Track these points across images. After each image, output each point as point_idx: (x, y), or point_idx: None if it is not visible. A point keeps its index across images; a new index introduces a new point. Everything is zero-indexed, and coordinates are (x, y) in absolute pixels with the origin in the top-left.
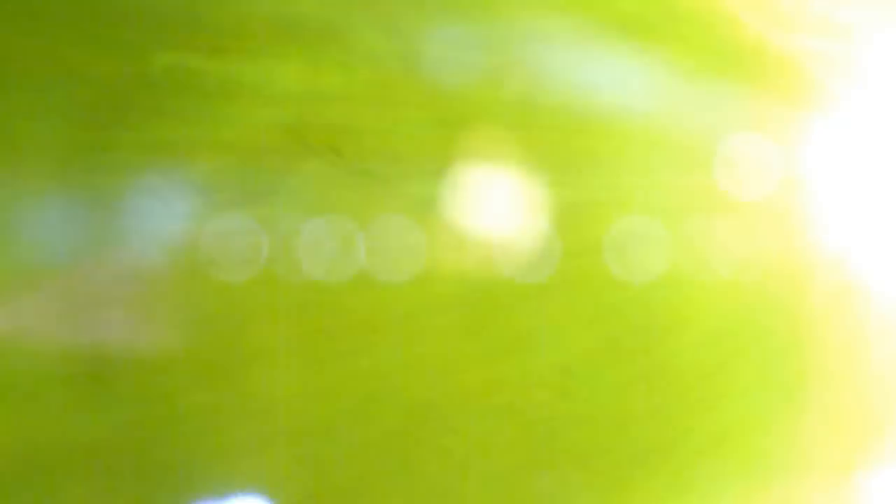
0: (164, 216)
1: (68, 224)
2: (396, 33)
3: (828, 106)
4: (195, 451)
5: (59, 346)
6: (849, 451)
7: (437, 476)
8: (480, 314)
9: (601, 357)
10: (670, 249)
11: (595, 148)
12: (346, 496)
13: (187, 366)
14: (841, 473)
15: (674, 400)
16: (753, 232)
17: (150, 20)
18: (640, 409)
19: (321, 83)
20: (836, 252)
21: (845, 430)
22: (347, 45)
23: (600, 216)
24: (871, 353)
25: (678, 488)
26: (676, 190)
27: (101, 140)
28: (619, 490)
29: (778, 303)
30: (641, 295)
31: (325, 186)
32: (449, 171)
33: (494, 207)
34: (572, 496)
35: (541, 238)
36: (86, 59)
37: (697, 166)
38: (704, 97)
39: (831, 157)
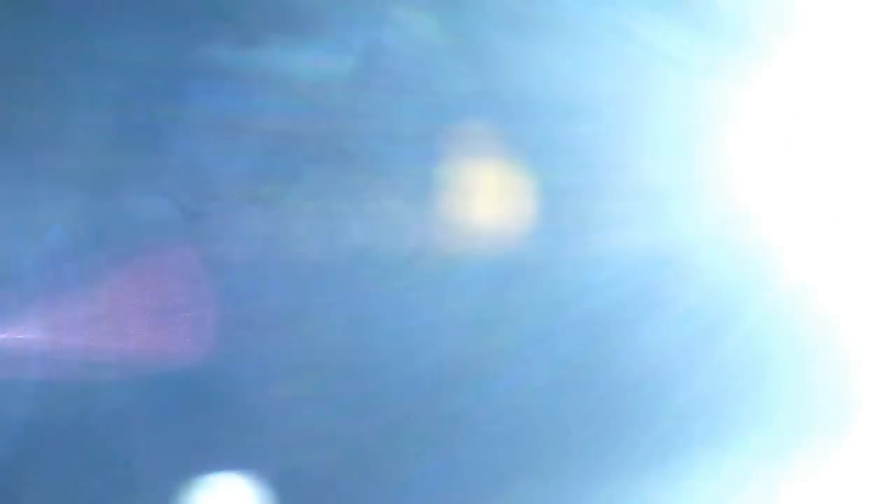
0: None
1: (96, 202)
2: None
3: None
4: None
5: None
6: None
7: (430, 443)
8: (469, 290)
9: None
10: (646, 231)
11: (575, 134)
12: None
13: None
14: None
15: (645, 376)
16: (729, 213)
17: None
18: (609, 382)
19: (321, 71)
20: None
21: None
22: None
23: (580, 200)
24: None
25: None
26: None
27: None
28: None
29: (739, 286)
30: (617, 276)
31: (329, 169)
32: (440, 156)
33: (482, 190)
34: (549, 457)
35: (525, 220)
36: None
37: (671, 150)
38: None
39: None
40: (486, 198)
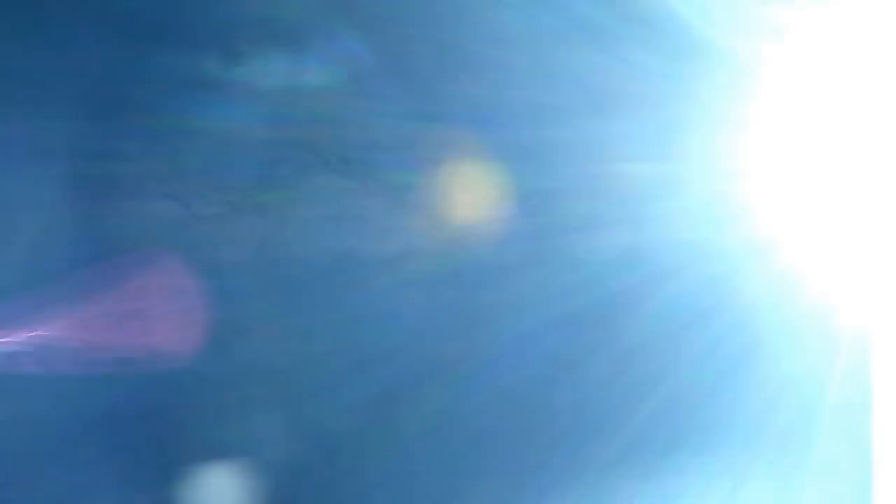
0: (171, 200)
1: (75, 210)
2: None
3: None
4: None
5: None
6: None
7: (413, 437)
8: (453, 289)
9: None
10: (624, 233)
11: (555, 140)
12: (333, 456)
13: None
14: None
15: (628, 369)
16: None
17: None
18: (588, 380)
19: (304, 79)
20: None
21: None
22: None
23: (559, 202)
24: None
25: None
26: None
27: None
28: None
29: (724, 284)
30: (595, 276)
31: (312, 174)
32: (425, 160)
33: (464, 194)
34: (538, 450)
35: (506, 222)
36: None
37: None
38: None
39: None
40: (468, 200)
